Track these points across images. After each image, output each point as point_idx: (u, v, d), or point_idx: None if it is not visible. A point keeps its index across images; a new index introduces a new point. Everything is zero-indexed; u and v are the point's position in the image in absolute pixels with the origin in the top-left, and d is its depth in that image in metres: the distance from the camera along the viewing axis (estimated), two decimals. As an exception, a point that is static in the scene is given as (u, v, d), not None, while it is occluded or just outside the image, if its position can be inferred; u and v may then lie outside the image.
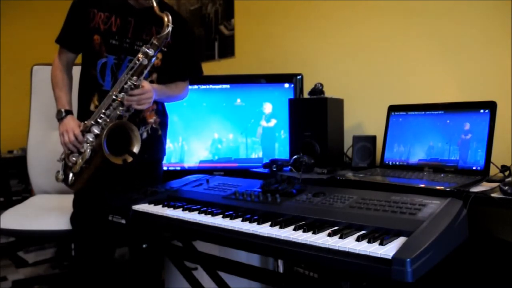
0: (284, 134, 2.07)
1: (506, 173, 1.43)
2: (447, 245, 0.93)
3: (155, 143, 1.77)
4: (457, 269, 1.18)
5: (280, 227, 1.05)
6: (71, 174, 1.60)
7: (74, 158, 1.58)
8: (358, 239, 0.92)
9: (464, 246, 0.99)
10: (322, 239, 0.94)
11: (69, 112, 1.65)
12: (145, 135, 1.71)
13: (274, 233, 1.01)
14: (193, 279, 1.62)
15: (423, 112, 1.65)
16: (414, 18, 1.90)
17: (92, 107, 1.66)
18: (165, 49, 1.60)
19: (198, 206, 1.30)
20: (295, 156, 1.64)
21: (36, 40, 3.47)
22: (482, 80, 1.71)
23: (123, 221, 1.36)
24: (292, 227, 1.04)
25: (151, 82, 1.68)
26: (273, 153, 2.09)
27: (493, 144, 1.45)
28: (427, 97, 1.78)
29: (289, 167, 1.69)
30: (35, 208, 2.13)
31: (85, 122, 1.59)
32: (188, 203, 1.35)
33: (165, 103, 1.83)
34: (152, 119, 1.74)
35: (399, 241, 0.91)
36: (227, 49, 2.74)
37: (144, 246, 1.61)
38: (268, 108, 2.10)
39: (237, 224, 1.10)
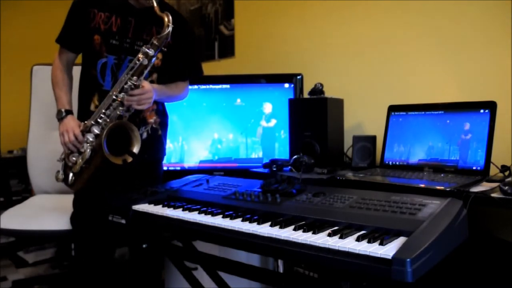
0: (284, 134, 2.07)
1: (506, 173, 1.43)
2: (447, 245, 0.93)
3: (155, 143, 1.77)
4: (457, 269, 1.18)
5: (280, 227, 1.05)
6: (71, 174, 1.60)
7: (74, 158, 1.58)
8: (358, 239, 0.92)
9: (464, 246, 0.99)
10: (322, 239, 0.94)
11: (69, 112, 1.65)
12: (145, 135, 1.71)
13: (274, 233, 1.01)
14: (193, 279, 1.62)
15: (423, 112, 1.65)
16: (414, 18, 1.90)
17: (92, 107, 1.66)
18: (165, 49, 1.60)
19: (198, 206, 1.30)
20: (295, 156, 1.64)
21: (36, 40, 3.47)
22: (482, 80, 1.71)
23: (123, 221, 1.36)
24: (292, 227, 1.04)
25: (151, 82, 1.68)
26: (273, 153, 2.09)
27: (493, 144, 1.45)
28: (427, 97, 1.78)
29: (289, 167, 1.69)
30: (35, 208, 2.13)
31: (85, 122, 1.59)
32: (188, 203, 1.35)
33: (165, 103, 1.83)
34: (152, 119, 1.74)
35: (399, 241, 0.91)
36: (227, 49, 2.74)
37: (144, 246, 1.61)
38: (268, 108, 2.10)
39: (237, 224, 1.10)
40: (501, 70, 1.64)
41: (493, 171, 1.46)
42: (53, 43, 1.70)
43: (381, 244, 0.89)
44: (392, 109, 1.74)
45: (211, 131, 2.13)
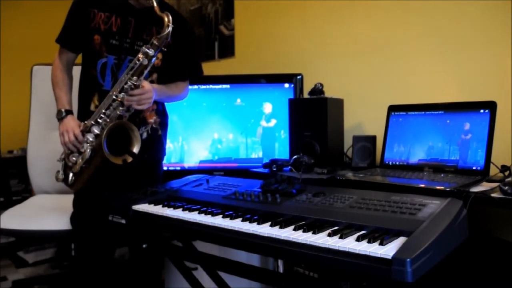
0: (284, 134, 2.07)
1: (506, 173, 1.43)
2: (447, 245, 0.93)
3: (155, 143, 1.77)
4: (457, 269, 1.18)
5: (280, 227, 1.05)
6: (71, 174, 1.60)
7: (74, 158, 1.58)
8: (358, 239, 0.92)
9: (464, 246, 0.99)
10: (322, 239, 0.94)
11: (69, 112, 1.65)
12: (145, 135, 1.71)
13: (274, 233, 1.01)
14: (193, 279, 1.62)
15: (423, 112, 1.65)
16: (414, 18, 1.90)
17: (92, 107, 1.66)
18: (165, 49, 1.60)
19: (198, 206, 1.30)
20: (295, 156, 1.64)
21: (36, 40, 3.47)
22: (482, 80, 1.71)
23: (123, 221, 1.36)
24: (292, 227, 1.04)
25: (151, 82, 1.68)
26: (273, 153, 2.09)
27: (493, 144, 1.45)
28: (427, 97, 1.78)
29: (289, 167, 1.69)
30: (35, 208, 2.13)
31: (85, 122, 1.59)
32: (188, 203, 1.35)
33: (165, 103, 1.83)
34: (152, 119, 1.74)
35: (399, 241, 0.91)
36: (227, 49, 2.74)
37: (144, 246, 1.61)
38: (268, 108, 2.10)
39: (237, 224, 1.10)
40: (501, 70, 1.64)
41: (493, 171, 1.46)
42: (53, 43, 1.70)
43: (381, 244, 0.89)
44: (392, 109, 1.74)
45: (211, 131, 2.13)
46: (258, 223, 1.09)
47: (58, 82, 1.69)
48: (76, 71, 1.75)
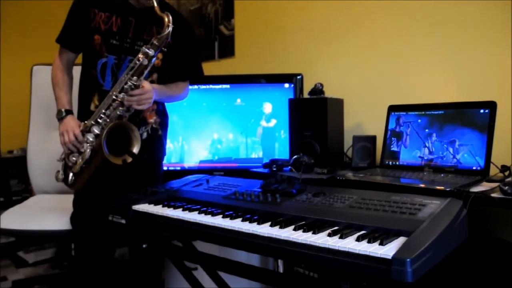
0: (284, 134, 2.07)
1: (506, 173, 1.43)
2: (447, 245, 0.93)
3: (155, 143, 1.77)
4: (457, 269, 1.18)
5: (280, 227, 1.05)
6: (71, 174, 1.60)
7: (74, 158, 1.58)
8: (358, 239, 0.92)
9: (464, 246, 0.99)
10: (322, 239, 0.94)
11: (69, 112, 1.65)
12: (145, 135, 1.71)
13: (274, 233, 1.01)
14: (193, 279, 1.62)
15: (423, 112, 1.65)
16: (414, 18, 1.90)
17: (92, 107, 1.66)
18: (166, 49, 1.60)
19: (198, 206, 1.30)
20: (295, 156, 1.64)
21: (36, 40, 3.47)
22: (482, 80, 1.71)
23: (123, 221, 1.36)
24: (292, 227, 1.04)
25: (152, 82, 1.68)
26: (273, 153, 2.09)
27: (493, 144, 1.45)
28: (427, 97, 1.78)
29: (289, 167, 1.69)
30: (35, 208, 2.13)
31: (85, 122, 1.59)
32: (188, 203, 1.35)
33: (165, 103, 1.83)
34: (152, 119, 1.74)
35: (399, 241, 0.91)
36: (227, 49, 2.74)
37: (144, 246, 1.61)
38: (268, 108, 2.10)
39: (237, 224, 1.10)
40: (501, 70, 1.64)
41: (493, 171, 1.46)
42: (53, 43, 1.70)
43: (381, 244, 0.89)
44: (392, 109, 1.74)
45: (211, 131, 2.13)
46: (258, 223, 1.09)
47: (58, 82, 1.69)
48: (76, 71, 1.75)
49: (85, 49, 1.68)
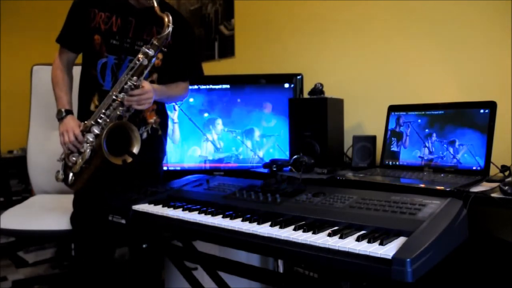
0: (284, 134, 2.07)
1: (506, 173, 1.43)
2: (447, 245, 0.93)
3: (155, 143, 1.77)
4: (457, 269, 1.18)
5: (280, 227, 1.05)
6: (71, 174, 1.60)
7: (74, 158, 1.58)
8: (358, 239, 0.92)
9: (464, 246, 0.99)
10: (322, 239, 0.94)
11: (69, 112, 1.65)
12: (145, 135, 1.71)
13: (274, 233, 1.01)
14: (193, 279, 1.62)
15: (423, 112, 1.65)
16: (414, 18, 1.90)
17: (92, 107, 1.66)
18: (166, 49, 1.60)
19: (198, 206, 1.30)
20: (295, 156, 1.64)
21: (36, 40, 3.47)
22: (482, 80, 1.71)
23: (123, 221, 1.36)
24: (292, 227, 1.04)
25: (152, 82, 1.68)
26: (273, 153, 2.09)
27: (493, 144, 1.45)
28: (427, 97, 1.78)
29: (289, 167, 1.68)
30: (35, 208, 2.13)
31: (85, 122, 1.59)
32: (188, 203, 1.35)
33: (165, 103, 1.83)
34: (152, 119, 1.74)
35: (399, 241, 0.91)
36: (227, 49, 2.74)
37: (144, 246, 1.61)
38: (268, 108, 2.10)
39: (237, 224, 1.10)
40: (501, 70, 1.64)
41: (493, 171, 1.46)
42: (53, 43, 1.70)
43: (381, 244, 0.89)
44: (392, 109, 1.74)
45: (211, 131, 2.13)
46: (258, 223, 1.09)
47: (58, 82, 1.69)
48: (76, 71, 1.75)
49: (85, 49, 1.68)
